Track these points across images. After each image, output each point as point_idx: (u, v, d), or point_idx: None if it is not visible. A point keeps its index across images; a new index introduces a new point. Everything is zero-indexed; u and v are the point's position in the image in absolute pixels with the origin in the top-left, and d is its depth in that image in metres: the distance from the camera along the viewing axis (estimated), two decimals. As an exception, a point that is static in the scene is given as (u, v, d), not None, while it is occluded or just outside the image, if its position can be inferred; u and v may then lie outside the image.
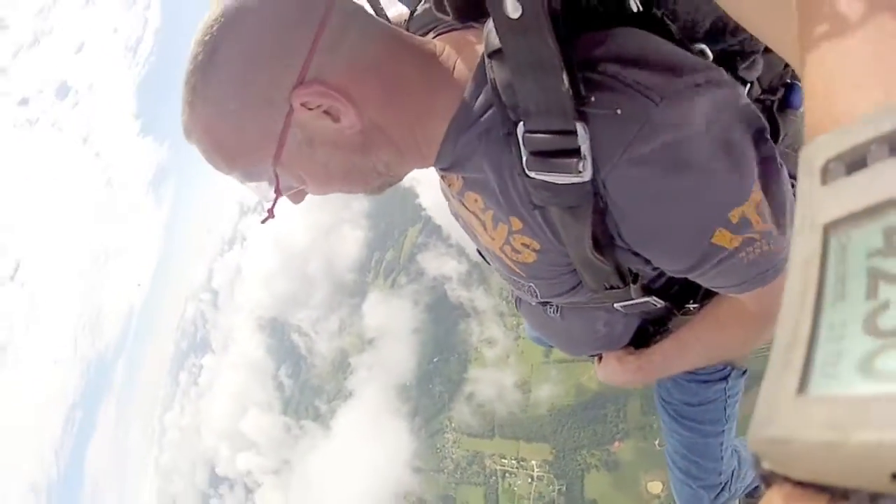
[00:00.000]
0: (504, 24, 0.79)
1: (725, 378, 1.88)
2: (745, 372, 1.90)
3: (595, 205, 0.93)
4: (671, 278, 1.30)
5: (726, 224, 0.95)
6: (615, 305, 1.32)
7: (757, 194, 0.95)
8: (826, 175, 0.28)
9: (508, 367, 54.08)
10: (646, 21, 0.97)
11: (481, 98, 0.96)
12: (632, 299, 1.27)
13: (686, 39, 0.99)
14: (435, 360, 60.59)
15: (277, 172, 0.96)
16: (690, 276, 1.09)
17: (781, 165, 0.99)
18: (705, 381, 1.89)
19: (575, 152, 0.86)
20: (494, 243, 1.14)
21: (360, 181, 1.02)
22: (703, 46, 1.00)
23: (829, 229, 0.26)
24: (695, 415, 1.96)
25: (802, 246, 0.27)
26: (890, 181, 0.24)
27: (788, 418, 0.23)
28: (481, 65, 0.95)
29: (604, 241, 1.02)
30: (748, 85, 1.13)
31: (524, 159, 0.91)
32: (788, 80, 1.23)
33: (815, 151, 0.29)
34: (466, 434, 56.27)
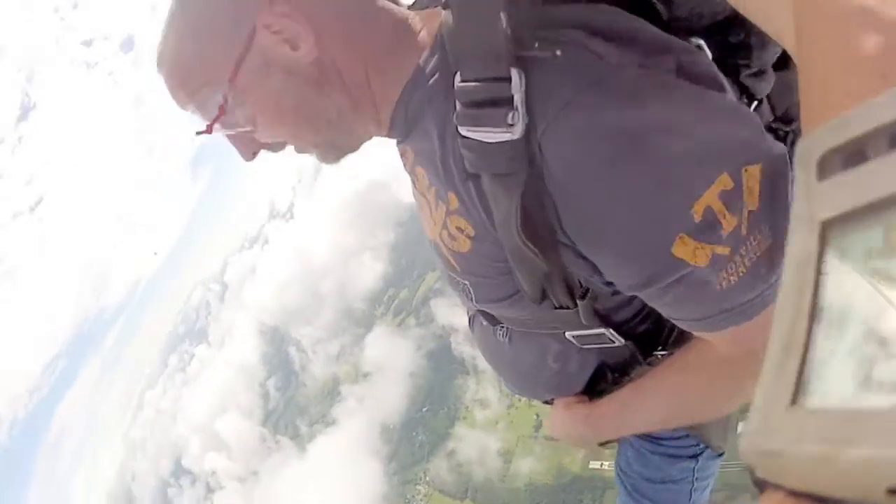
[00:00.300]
0: None
1: (696, 456, 1.57)
2: (721, 454, 1.59)
3: (529, 175, 0.81)
4: (635, 314, 1.12)
5: (687, 225, 0.79)
6: (567, 334, 1.14)
7: (725, 184, 0.79)
8: (823, 169, 0.27)
9: (495, 433, 53.43)
10: (633, 2, 0.91)
11: (434, 59, 0.91)
12: (584, 327, 1.09)
13: (683, 31, 0.91)
14: (424, 408, 60.08)
15: (228, 97, 0.92)
16: (646, 299, 0.92)
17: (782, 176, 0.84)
18: (672, 456, 1.58)
19: (507, 101, 0.77)
20: (435, 229, 1.03)
21: (310, 123, 0.95)
22: (701, 41, 0.92)
23: (826, 227, 0.26)
24: (654, 494, 1.66)
25: (799, 244, 0.26)
26: (890, 177, 0.24)
27: (781, 430, 0.23)
28: (440, 29, 0.91)
29: (540, 229, 0.88)
30: (755, 102, 1.02)
31: (456, 113, 0.83)
32: None
33: (812, 144, 0.28)
34: (439, 490, 55.43)
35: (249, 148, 0.99)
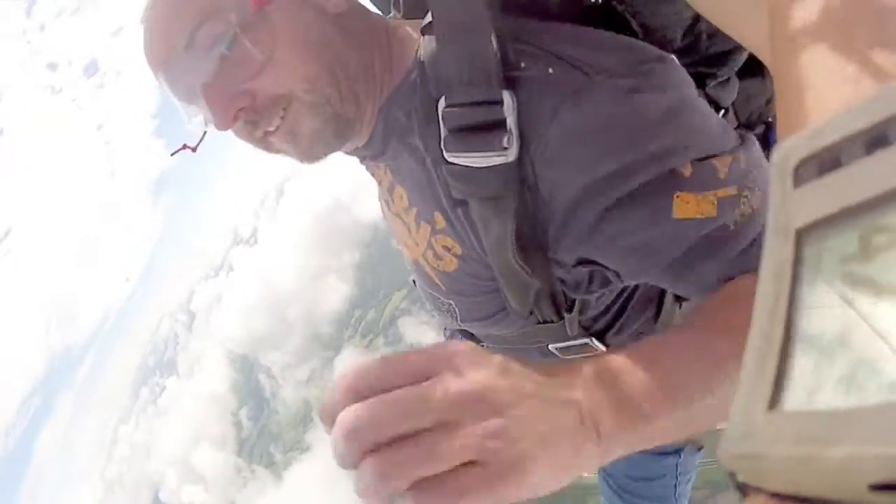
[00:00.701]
0: None
1: (678, 451, 1.62)
2: (700, 448, 1.65)
3: (522, 196, 0.80)
4: (616, 317, 1.11)
5: (679, 183, 0.78)
6: (550, 347, 1.12)
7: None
8: (799, 177, 0.27)
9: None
10: (605, 16, 0.92)
11: (413, 80, 0.88)
12: (568, 339, 1.07)
13: (655, 44, 0.91)
14: None
15: (250, 20, 0.81)
16: (676, 273, 0.85)
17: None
18: (656, 453, 1.63)
19: (500, 125, 0.76)
20: (417, 250, 1.01)
21: (331, 67, 0.86)
22: (671, 56, 0.90)
23: (802, 234, 0.26)
24: (640, 490, 1.71)
25: (775, 252, 0.26)
26: (865, 182, 0.24)
27: (761, 433, 0.23)
28: (417, 52, 0.89)
29: (533, 249, 0.86)
30: (721, 111, 1.03)
31: (443, 139, 0.81)
32: (770, 119, 1.13)
33: (787, 153, 0.28)
34: (417, 510, 54.75)
35: (233, 105, 0.84)
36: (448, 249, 0.94)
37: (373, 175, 1.07)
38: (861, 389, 0.20)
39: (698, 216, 0.77)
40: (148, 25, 0.84)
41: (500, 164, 0.78)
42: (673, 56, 0.86)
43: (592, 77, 0.77)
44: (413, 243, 1.01)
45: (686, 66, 0.88)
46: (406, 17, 1.01)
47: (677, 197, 0.77)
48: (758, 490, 0.23)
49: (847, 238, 0.24)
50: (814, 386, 0.22)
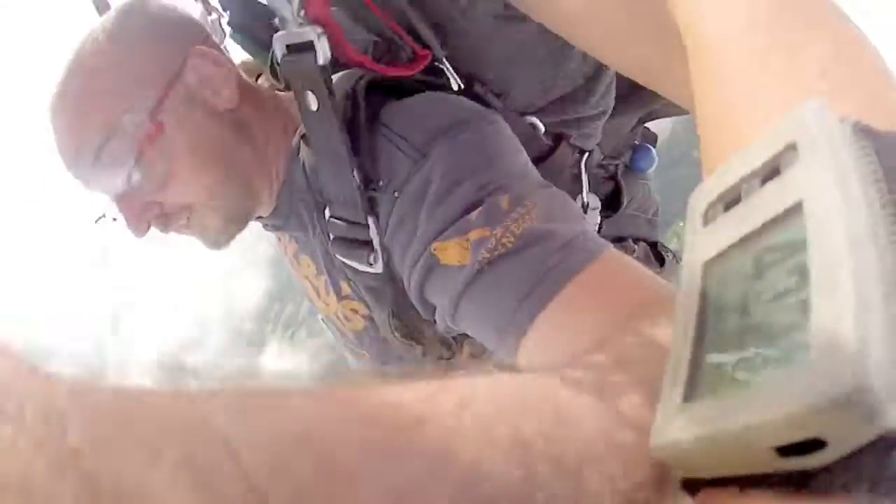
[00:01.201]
0: (306, 113, 0.80)
1: None
2: None
3: (394, 288, 0.86)
4: None
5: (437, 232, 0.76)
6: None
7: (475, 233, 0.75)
8: (707, 217, 0.29)
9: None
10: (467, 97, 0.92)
11: (303, 168, 0.90)
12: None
13: (517, 113, 0.94)
14: None
15: (146, 137, 0.82)
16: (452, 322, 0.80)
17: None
18: None
19: (368, 244, 0.83)
20: (328, 310, 1.04)
21: (230, 172, 0.88)
22: (534, 120, 0.94)
23: (707, 267, 0.28)
24: None
25: (685, 288, 0.28)
26: (758, 210, 0.26)
27: (674, 424, 0.25)
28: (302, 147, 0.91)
29: (414, 321, 0.90)
30: (586, 154, 1.02)
31: (330, 242, 0.88)
32: (636, 142, 1.16)
33: (698, 197, 0.30)
34: None
35: (144, 217, 0.87)
36: (355, 311, 0.99)
37: (278, 239, 1.09)
38: (749, 368, 0.23)
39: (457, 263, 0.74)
40: (54, 127, 0.85)
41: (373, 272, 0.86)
42: (535, 121, 0.94)
43: (416, 163, 0.78)
44: (323, 304, 1.04)
45: (550, 123, 0.95)
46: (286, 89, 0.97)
47: (434, 246, 0.75)
48: (695, 482, 0.25)
49: (745, 262, 0.26)
50: (718, 378, 0.25)
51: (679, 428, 0.25)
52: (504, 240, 0.70)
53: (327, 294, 1.01)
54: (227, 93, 0.87)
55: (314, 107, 0.77)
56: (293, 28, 0.76)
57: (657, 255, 1.15)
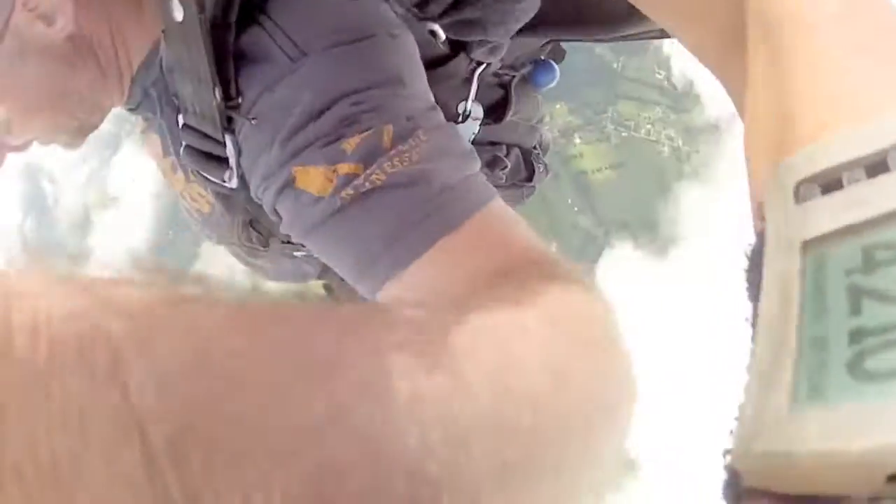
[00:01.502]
0: (169, 23, 0.71)
1: None
2: None
3: (248, 201, 0.81)
4: None
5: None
6: (295, 254, 1.05)
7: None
8: (800, 195, 0.28)
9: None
10: None
11: (159, 66, 0.84)
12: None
13: (424, 17, 0.84)
14: (170, 232, 56.18)
15: None
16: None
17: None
18: None
19: (224, 161, 0.77)
20: (177, 187, 0.99)
21: (65, 106, 0.84)
22: (435, 27, 0.84)
23: (806, 247, 0.27)
24: None
25: (780, 265, 0.27)
26: (869, 202, 0.25)
27: (782, 432, 0.23)
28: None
29: (262, 233, 0.90)
30: (483, 65, 0.95)
31: (181, 148, 0.81)
32: (542, 58, 1.09)
33: (787, 173, 0.29)
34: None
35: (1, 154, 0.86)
36: (202, 195, 0.95)
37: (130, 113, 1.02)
38: (877, 378, 0.21)
39: (315, 192, 0.69)
40: None
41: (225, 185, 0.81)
42: (435, 27, 0.84)
43: (295, 62, 0.71)
44: (172, 181, 0.99)
45: (450, 33, 0.86)
46: None
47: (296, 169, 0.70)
48: (761, 494, 0.23)
49: (851, 252, 0.25)
50: (830, 383, 0.23)
51: (791, 439, 0.23)
52: (374, 177, 0.66)
53: (174, 173, 0.98)
54: (62, 20, 0.80)
55: (179, 17, 0.69)
56: None
57: (528, 164, 1.15)
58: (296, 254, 0.97)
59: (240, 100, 0.73)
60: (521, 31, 0.93)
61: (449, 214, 0.63)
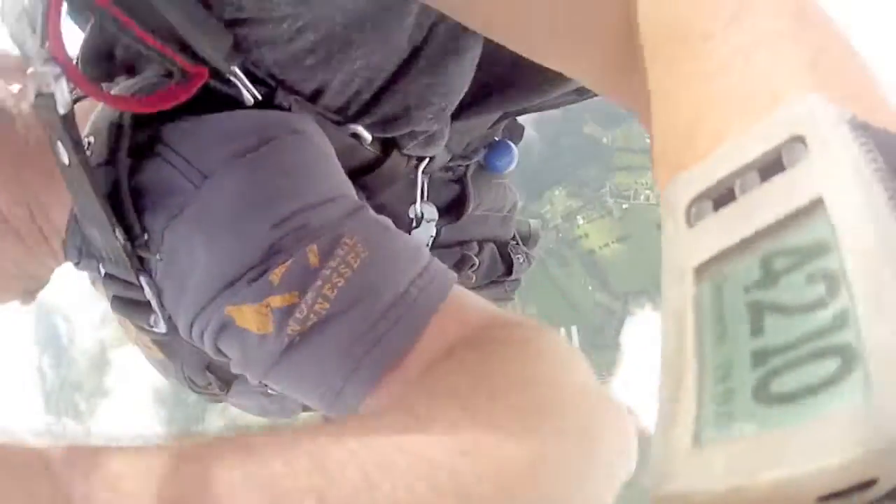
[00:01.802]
0: (62, 168, 0.68)
1: None
2: None
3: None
4: None
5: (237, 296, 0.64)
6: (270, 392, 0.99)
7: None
8: (691, 215, 0.27)
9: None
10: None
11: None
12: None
13: (342, 120, 0.78)
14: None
15: None
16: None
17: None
18: None
19: (146, 305, 0.73)
20: (130, 337, 0.94)
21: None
22: (357, 128, 0.77)
23: (700, 272, 0.25)
24: None
25: (673, 296, 0.26)
26: (763, 210, 0.23)
27: (687, 470, 0.22)
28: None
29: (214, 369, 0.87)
30: (425, 160, 0.88)
31: (110, 301, 0.79)
32: (496, 140, 1.01)
33: (678, 191, 0.28)
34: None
35: None
36: (156, 343, 0.89)
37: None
38: (785, 400, 0.20)
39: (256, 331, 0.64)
40: None
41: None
42: (358, 129, 0.77)
43: (199, 187, 0.67)
44: (126, 332, 0.95)
45: (376, 132, 0.79)
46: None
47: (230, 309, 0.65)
48: None
49: (748, 267, 0.23)
50: (734, 411, 0.21)
51: (695, 477, 0.21)
52: (317, 307, 0.61)
53: (124, 324, 0.93)
54: None
55: (66, 160, 0.67)
56: (38, 66, 0.65)
57: (505, 257, 1.08)
58: (270, 391, 0.89)
59: (145, 237, 0.67)
60: (460, 113, 0.85)
61: (407, 327, 0.58)
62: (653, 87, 0.37)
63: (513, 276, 1.08)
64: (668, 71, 0.36)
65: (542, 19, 0.49)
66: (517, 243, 1.10)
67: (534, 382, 0.51)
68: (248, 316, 0.62)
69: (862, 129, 0.23)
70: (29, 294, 0.88)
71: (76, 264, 0.83)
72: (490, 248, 1.04)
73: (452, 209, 0.96)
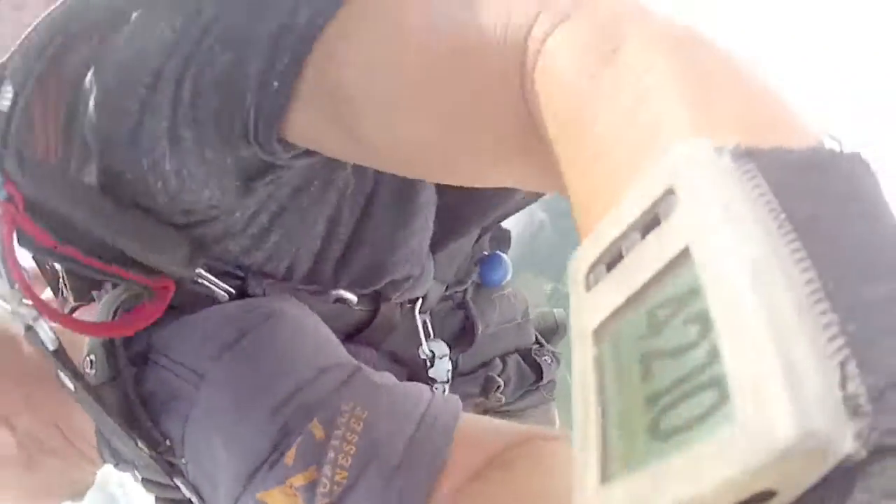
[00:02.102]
0: (71, 394, 0.71)
1: None
2: None
3: None
4: None
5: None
6: None
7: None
8: (590, 281, 0.28)
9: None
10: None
11: None
12: None
13: (321, 289, 0.79)
14: None
15: None
16: None
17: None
18: None
19: (190, 502, 0.75)
20: None
21: (42, 494, 0.84)
22: (340, 292, 0.79)
23: (599, 333, 0.27)
24: None
25: (578, 359, 0.28)
26: (643, 266, 0.25)
27: None
28: None
29: None
30: (419, 301, 0.89)
31: (154, 501, 0.81)
32: (484, 254, 1.01)
33: (577, 262, 0.29)
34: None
35: None
36: None
37: None
38: (672, 433, 0.21)
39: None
40: None
41: None
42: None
43: (198, 389, 0.69)
44: None
45: (353, 287, 0.80)
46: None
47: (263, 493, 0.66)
48: None
49: (637, 321, 0.25)
50: (634, 451, 0.23)
51: None
52: (338, 478, 0.63)
53: None
54: (20, 425, 0.78)
55: (71, 386, 0.70)
56: (16, 307, 0.67)
57: (533, 364, 1.07)
58: None
59: (168, 443, 0.70)
60: (438, 243, 0.87)
61: (416, 481, 0.61)
62: (565, 172, 0.37)
63: (545, 381, 1.07)
64: (564, 156, 0.36)
65: (465, 148, 0.49)
66: (541, 345, 1.09)
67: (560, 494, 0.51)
68: (279, 499, 0.64)
69: (746, 156, 0.24)
70: (77, 494, 0.89)
71: (115, 466, 0.85)
72: (514, 359, 1.04)
73: (462, 338, 0.96)
